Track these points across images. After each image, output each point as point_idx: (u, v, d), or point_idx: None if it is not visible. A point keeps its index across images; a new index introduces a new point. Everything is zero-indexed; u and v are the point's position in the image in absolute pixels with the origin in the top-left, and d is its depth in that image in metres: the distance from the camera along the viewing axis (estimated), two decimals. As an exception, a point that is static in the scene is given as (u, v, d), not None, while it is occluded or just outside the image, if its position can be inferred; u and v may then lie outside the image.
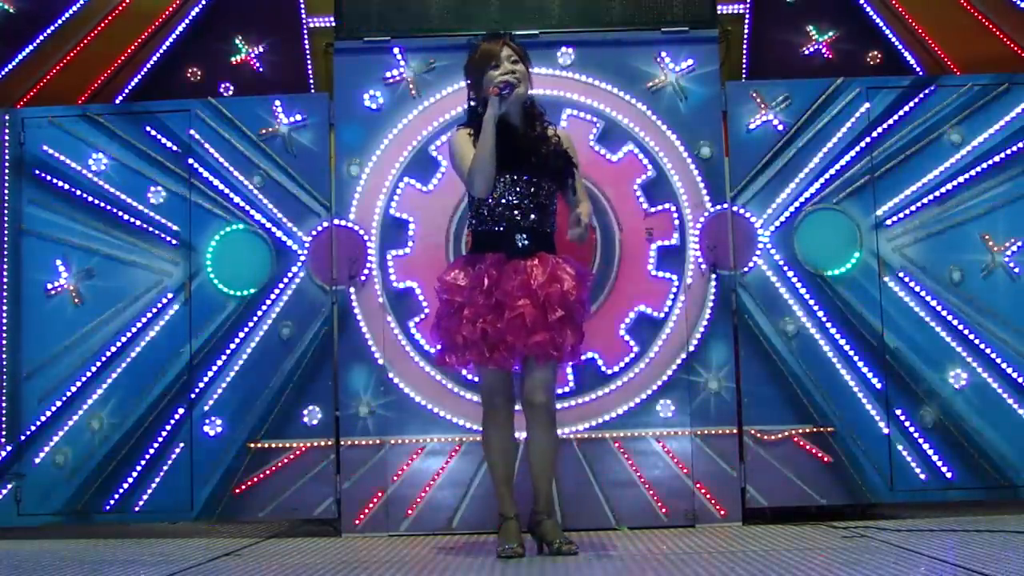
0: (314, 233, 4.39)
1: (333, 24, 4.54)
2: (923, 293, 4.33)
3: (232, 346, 4.35)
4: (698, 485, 4.24)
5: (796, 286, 4.33)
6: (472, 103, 3.78)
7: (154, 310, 4.40)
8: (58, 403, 4.38)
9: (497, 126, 3.59)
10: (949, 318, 4.32)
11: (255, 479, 4.30)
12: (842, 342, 4.30)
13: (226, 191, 4.42)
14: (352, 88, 4.44)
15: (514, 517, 3.64)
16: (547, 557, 3.53)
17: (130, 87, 4.86)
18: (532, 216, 3.65)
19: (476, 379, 4.24)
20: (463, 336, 3.58)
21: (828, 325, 4.31)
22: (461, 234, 4.36)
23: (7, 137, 4.51)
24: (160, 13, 4.87)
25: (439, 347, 3.77)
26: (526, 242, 3.63)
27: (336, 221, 4.38)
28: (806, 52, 4.86)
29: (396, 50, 4.45)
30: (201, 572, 3.40)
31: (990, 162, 4.38)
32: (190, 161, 4.44)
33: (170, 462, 4.33)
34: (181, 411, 4.35)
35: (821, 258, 4.36)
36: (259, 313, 4.36)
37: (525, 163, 3.64)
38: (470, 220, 3.78)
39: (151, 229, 4.44)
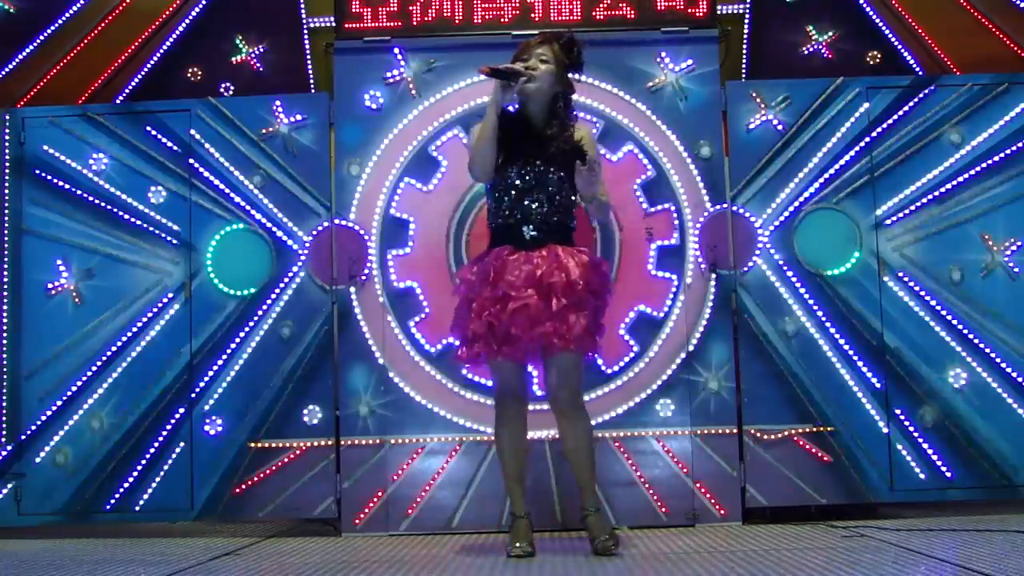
0: (314, 233, 4.39)
1: (333, 24, 4.54)
2: (923, 293, 4.33)
3: (232, 346, 4.35)
4: (698, 485, 4.24)
5: (796, 286, 4.34)
6: None
7: (154, 310, 4.40)
8: (58, 403, 4.38)
9: (512, 119, 3.62)
10: (949, 318, 4.32)
11: (255, 479, 4.30)
12: (842, 342, 4.31)
13: (226, 191, 4.43)
14: (352, 88, 4.45)
15: (524, 516, 3.63)
16: (547, 557, 3.52)
17: (130, 87, 4.85)
18: (541, 208, 3.62)
19: (476, 377, 4.27)
20: (472, 330, 3.57)
21: (828, 325, 4.31)
22: (461, 234, 4.36)
23: (7, 137, 4.51)
24: (160, 13, 4.86)
25: (457, 343, 3.75)
26: (534, 233, 3.60)
27: (336, 221, 4.38)
28: (806, 52, 4.86)
29: (396, 50, 4.45)
30: (201, 572, 3.40)
31: (990, 162, 4.38)
32: (190, 161, 4.44)
33: (170, 462, 4.33)
34: (181, 411, 4.35)
35: (821, 258, 4.36)
36: (259, 313, 4.37)
37: (532, 155, 3.63)
38: (488, 215, 3.76)
39: (151, 229, 4.44)
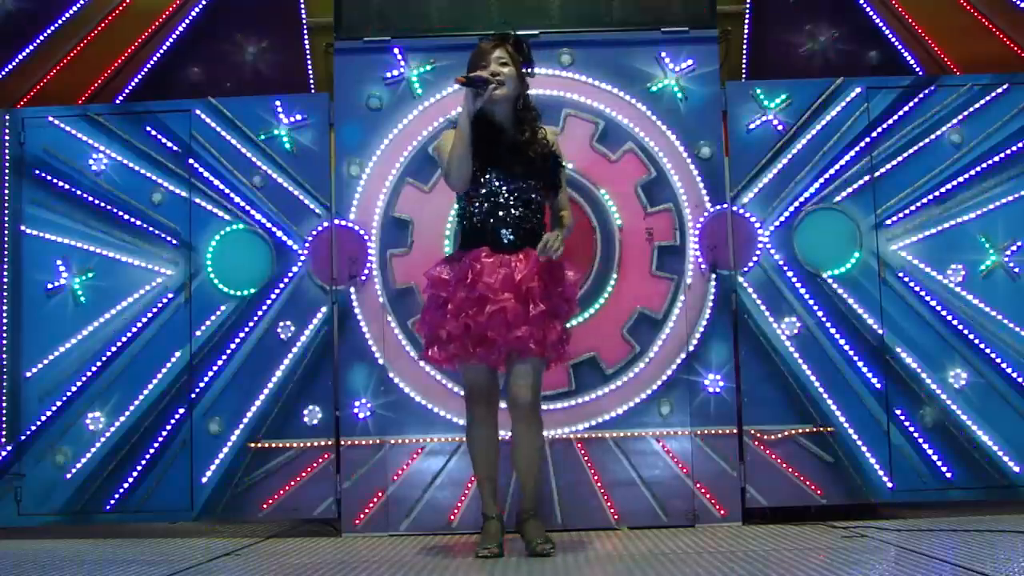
0: (314, 233, 4.39)
1: (333, 24, 4.53)
2: (923, 293, 4.33)
3: (232, 346, 4.35)
4: (698, 485, 4.24)
5: (796, 286, 4.34)
6: None
7: (154, 310, 4.40)
8: (58, 403, 4.38)
9: (483, 125, 3.62)
10: (949, 318, 4.32)
11: (255, 479, 4.30)
12: (842, 342, 4.30)
13: (226, 191, 4.43)
14: (352, 88, 4.45)
15: (495, 517, 3.65)
16: (547, 557, 3.52)
17: (130, 87, 4.85)
18: (517, 212, 3.63)
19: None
20: (447, 331, 3.57)
21: (828, 325, 4.31)
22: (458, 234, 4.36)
23: (7, 137, 4.51)
24: (160, 13, 4.86)
25: (424, 342, 3.76)
26: (511, 237, 3.62)
27: (336, 221, 4.38)
28: (806, 52, 4.85)
29: (396, 50, 4.45)
30: (201, 572, 3.40)
31: (990, 162, 4.38)
32: (190, 161, 4.44)
33: (170, 462, 4.33)
34: (181, 411, 4.35)
35: (821, 258, 4.36)
36: (259, 313, 4.37)
37: (511, 162, 3.64)
38: (458, 217, 3.77)
39: (151, 229, 4.44)
